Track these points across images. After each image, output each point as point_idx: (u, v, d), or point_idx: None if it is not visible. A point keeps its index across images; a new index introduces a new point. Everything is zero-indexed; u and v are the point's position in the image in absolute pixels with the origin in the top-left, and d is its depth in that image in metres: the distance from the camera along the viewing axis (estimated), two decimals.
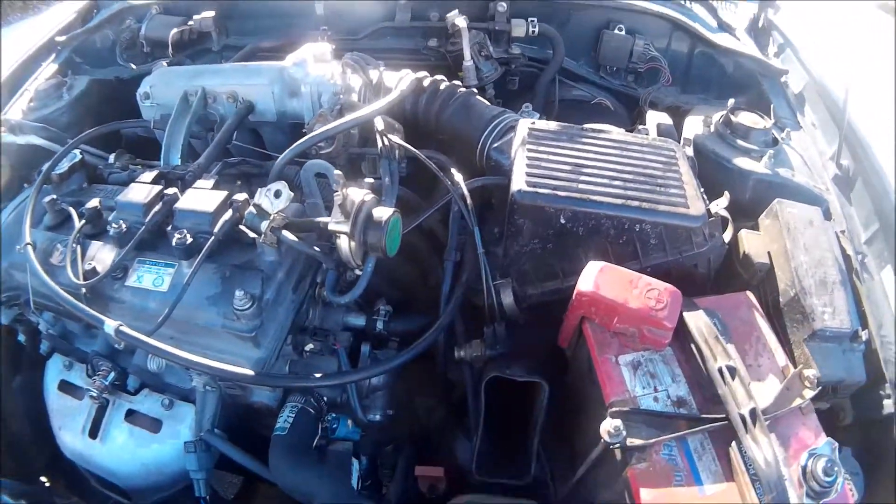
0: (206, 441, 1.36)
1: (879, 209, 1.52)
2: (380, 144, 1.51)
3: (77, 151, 1.64)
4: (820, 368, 1.17)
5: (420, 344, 1.38)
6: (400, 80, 1.67)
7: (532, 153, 1.39)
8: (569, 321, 1.27)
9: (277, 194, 1.36)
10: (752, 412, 1.03)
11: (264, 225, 1.28)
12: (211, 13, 2.18)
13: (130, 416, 1.43)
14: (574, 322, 1.25)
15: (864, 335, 1.21)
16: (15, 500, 1.41)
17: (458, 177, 1.47)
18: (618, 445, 1.03)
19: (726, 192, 1.39)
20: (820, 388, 1.10)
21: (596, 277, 1.16)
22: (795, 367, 1.15)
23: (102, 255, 1.42)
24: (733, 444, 1.03)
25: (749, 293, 1.29)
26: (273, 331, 1.31)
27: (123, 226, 1.41)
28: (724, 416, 1.06)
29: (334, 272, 1.38)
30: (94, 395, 1.39)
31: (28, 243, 1.42)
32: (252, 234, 1.33)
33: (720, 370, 1.08)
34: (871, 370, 1.24)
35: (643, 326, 1.13)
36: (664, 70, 2.02)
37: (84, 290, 1.33)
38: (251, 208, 1.29)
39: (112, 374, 1.41)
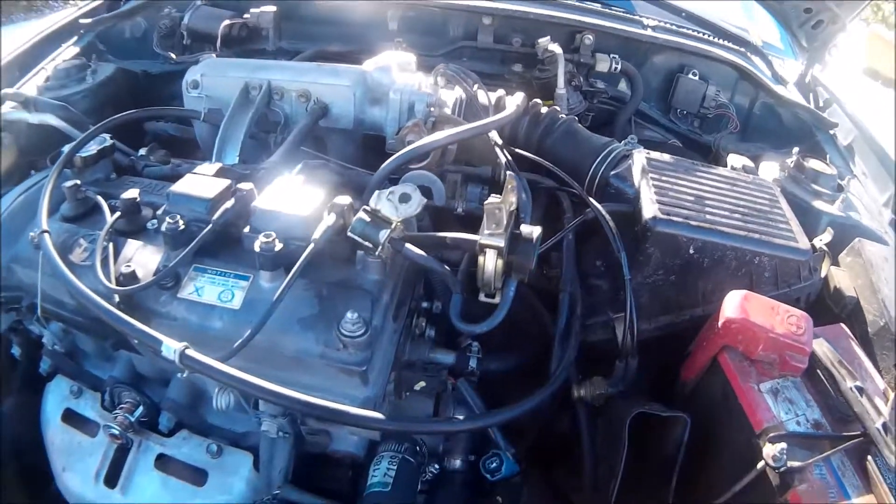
0: (283, 500, 1.16)
1: None
2: (503, 158, 1.51)
3: (107, 136, 1.46)
4: None
5: (554, 382, 1.31)
6: (499, 98, 1.69)
7: (657, 182, 1.48)
8: (705, 351, 1.35)
9: (405, 198, 1.21)
10: (885, 425, 1.15)
11: (383, 235, 1.11)
12: (272, 8, 2.08)
13: (162, 462, 1.22)
14: (711, 352, 1.33)
15: None
16: None
17: (593, 200, 1.49)
18: (782, 468, 1.11)
19: (829, 229, 1.55)
20: None
21: (742, 304, 1.27)
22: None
23: (143, 258, 1.19)
24: (869, 457, 1.14)
25: (843, 325, 1.42)
26: (380, 364, 1.12)
27: (181, 223, 1.17)
28: (859, 433, 1.17)
29: (461, 296, 1.22)
30: (116, 432, 1.17)
31: (45, 230, 1.18)
32: (357, 245, 1.15)
33: (852, 389, 1.20)
34: None
35: (785, 352, 1.24)
36: (732, 116, 2.21)
37: (117, 297, 1.11)
38: (362, 214, 1.13)
39: (140, 409, 1.20)
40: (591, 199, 1.50)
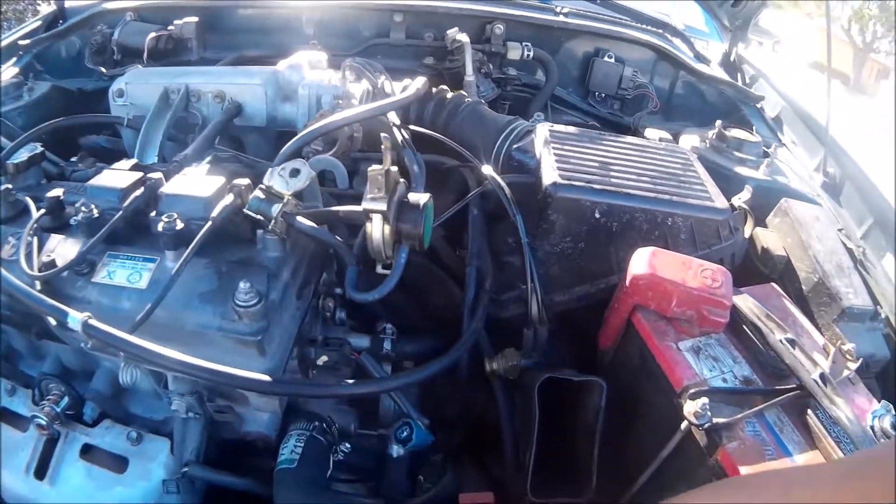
0: (191, 477, 1.20)
1: (872, 205, 1.70)
2: (399, 137, 1.52)
3: (38, 145, 1.51)
4: None
5: (459, 348, 1.30)
6: (405, 87, 1.71)
7: (558, 151, 1.46)
8: (617, 314, 1.29)
9: (294, 173, 1.23)
10: (823, 376, 1.09)
11: (275, 209, 1.16)
12: (194, 19, 2.17)
13: (87, 452, 1.25)
14: (623, 315, 1.28)
15: (882, 312, 1.36)
16: None
17: (489, 169, 1.48)
18: (706, 425, 1.03)
19: (748, 187, 1.54)
20: (861, 359, 1.17)
21: (650, 260, 1.22)
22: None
23: (64, 250, 1.25)
24: (808, 411, 1.07)
25: (774, 284, 1.38)
26: (279, 337, 1.17)
27: (95, 211, 1.24)
28: (794, 386, 1.10)
29: (355, 268, 1.24)
30: (43, 423, 1.20)
31: None
32: (257, 224, 1.20)
33: (782, 342, 1.14)
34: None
35: (702, 307, 1.18)
36: (652, 96, 2.23)
37: (38, 283, 1.15)
38: (258, 192, 1.18)
39: (65, 400, 1.24)
40: (483, 167, 1.50)
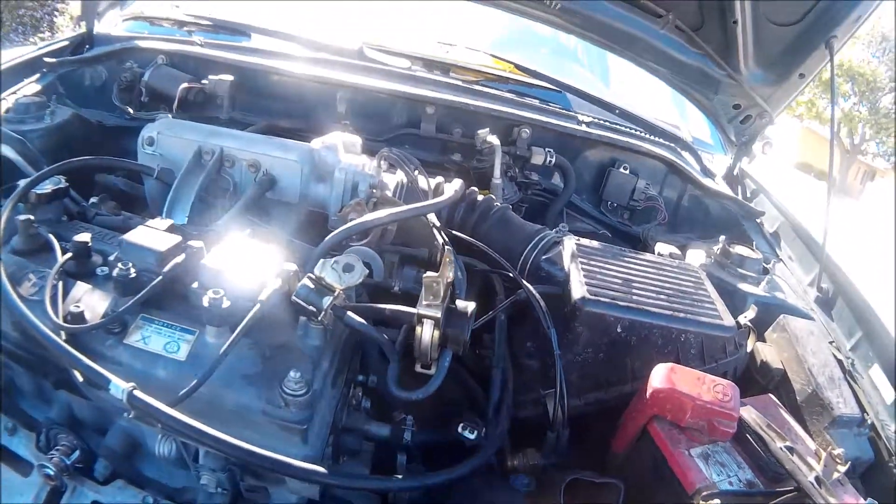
0: None
1: (862, 319, 1.91)
2: (440, 239, 1.68)
3: (62, 178, 1.54)
4: None
5: (489, 449, 1.40)
6: (438, 184, 1.88)
7: (585, 266, 1.67)
8: (634, 422, 1.50)
9: (348, 268, 1.30)
10: (818, 478, 1.30)
11: (326, 301, 1.22)
12: (229, 78, 2.25)
13: None
14: (640, 422, 1.48)
15: (868, 419, 1.57)
16: None
17: (526, 284, 1.65)
18: None
19: (753, 306, 1.74)
20: (849, 462, 1.38)
21: (669, 375, 1.43)
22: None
23: (91, 301, 1.27)
24: None
25: (771, 395, 1.60)
26: (318, 426, 1.22)
27: (132, 271, 1.26)
28: (793, 488, 1.31)
29: (397, 365, 1.35)
30: (52, 473, 1.19)
31: None
32: (305, 312, 1.24)
33: (782, 449, 1.35)
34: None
35: (713, 418, 1.39)
36: (661, 209, 2.47)
37: (64, 335, 1.17)
38: (307, 281, 1.24)
39: (76, 453, 1.24)
40: (521, 279, 1.67)
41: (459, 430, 1.44)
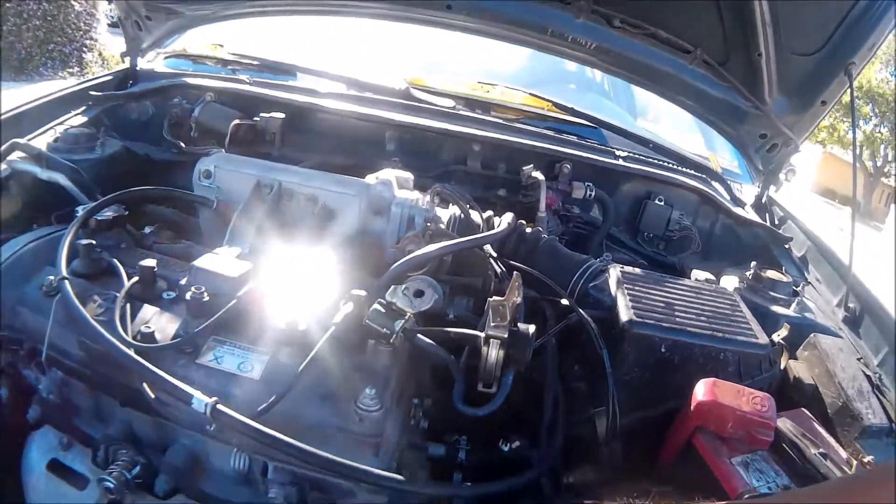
0: None
1: (888, 336, 2.04)
2: (497, 269, 1.87)
3: (122, 206, 1.64)
4: None
5: (545, 465, 1.54)
6: (489, 217, 2.06)
7: (631, 291, 1.86)
8: (680, 434, 1.67)
9: (419, 293, 1.43)
10: None
11: (397, 325, 1.32)
12: (280, 115, 2.37)
13: None
14: (685, 434, 1.65)
15: None
16: None
17: (578, 310, 1.84)
18: None
19: (786, 324, 1.90)
20: None
21: (712, 389, 1.60)
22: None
23: (161, 323, 1.35)
24: None
25: (804, 409, 1.75)
26: (387, 442, 1.32)
27: (206, 295, 1.34)
28: None
29: (462, 384, 1.44)
30: (111, 486, 1.23)
31: (65, 276, 1.32)
32: (375, 335, 1.33)
33: (816, 455, 1.52)
34: None
35: (752, 428, 1.56)
36: (695, 238, 2.64)
37: (134, 352, 1.24)
38: (378, 306, 1.35)
39: (137, 468, 1.29)
40: (574, 304, 1.87)
41: (500, 444, 1.58)
